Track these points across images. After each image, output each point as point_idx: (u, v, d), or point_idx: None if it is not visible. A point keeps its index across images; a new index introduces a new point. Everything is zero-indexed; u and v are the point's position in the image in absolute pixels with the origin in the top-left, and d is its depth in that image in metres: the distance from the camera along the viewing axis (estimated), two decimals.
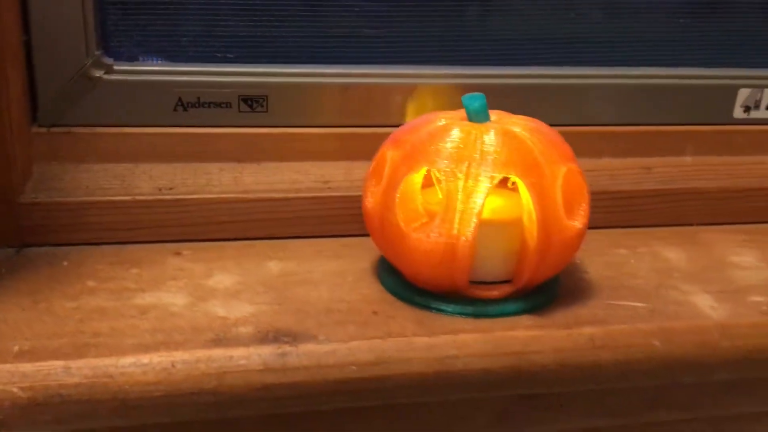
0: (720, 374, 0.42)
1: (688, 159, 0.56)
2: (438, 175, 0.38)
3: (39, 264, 0.44)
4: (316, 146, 0.50)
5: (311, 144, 0.50)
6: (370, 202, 0.41)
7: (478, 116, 0.41)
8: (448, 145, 0.39)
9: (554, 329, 0.39)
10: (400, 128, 0.42)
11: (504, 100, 0.52)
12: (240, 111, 0.49)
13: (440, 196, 0.38)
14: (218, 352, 0.36)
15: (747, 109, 0.56)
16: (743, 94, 0.56)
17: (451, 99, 0.52)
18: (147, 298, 0.41)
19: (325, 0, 0.50)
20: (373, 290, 0.43)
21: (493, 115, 0.42)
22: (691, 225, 0.55)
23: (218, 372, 0.35)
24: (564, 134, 0.52)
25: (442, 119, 0.41)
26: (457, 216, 0.38)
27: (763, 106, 0.56)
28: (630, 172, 0.55)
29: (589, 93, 0.54)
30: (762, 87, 0.56)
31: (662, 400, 0.44)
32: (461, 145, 0.39)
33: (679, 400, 0.44)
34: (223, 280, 0.43)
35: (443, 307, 0.40)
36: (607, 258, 0.49)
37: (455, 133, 0.39)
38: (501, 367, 0.38)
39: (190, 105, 0.49)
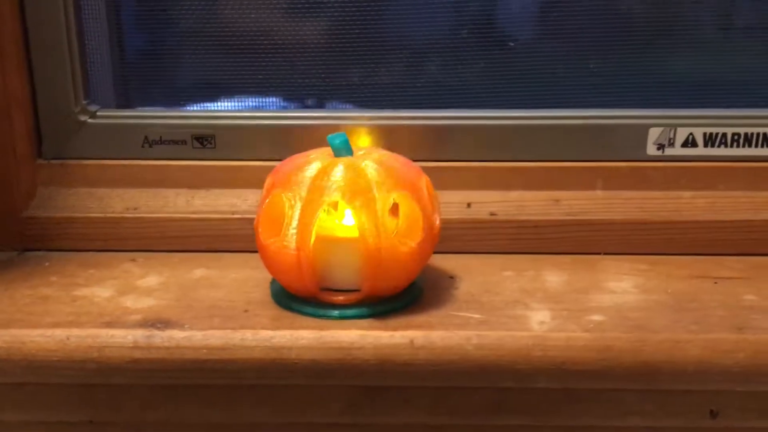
0: (539, 382, 0.46)
1: (599, 192, 0.60)
2: (286, 198, 0.47)
3: (29, 264, 0.58)
4: (253, 176, 0.60)
5: (250, 174, 0.60)
6: (255, 220, 0.51)
7: (340, 152, 0.49)
8: (307, 174, 0.48)
9: (381, 331, 0.46)
10: (283, 161, 0.51)
11: (411, 139, 0.60)
12: (193, 147, 0.61)
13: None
14: (103, 331, 0.47)
15: (661, 146, 0.59)
16: (654, 133, 0.59)
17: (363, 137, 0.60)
18: (83, 291, 0.53)
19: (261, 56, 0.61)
20: (261, 295, 0.52)
21: (361, 150, 0.51)
22: (598, 254, 0.59)
23: (100, 346, 0.46)
24: (477, 169, 0.59)
25: (312, 155, 0.50)
26: (299, 232, 0.46)
27: (677, 143, 0.59)
28: (538, 203, 0.60)
29: (504, 132, 0.60)
30: (673, 126, 0.59)
31: (508, 404, 0.49)
32: (316, 176, 0.47)
33: (523, 406, 0.49)
34: (150, 281, 0.54)
35: (299, 308, 0.49)
36: (486, 278, 0.54)
37: (314, 166, 0.48)
38: (328, 359, 0.46)
39: (155, 142, 0.61)
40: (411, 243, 0.47)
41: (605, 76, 0.61)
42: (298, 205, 0.46)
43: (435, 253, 0.58)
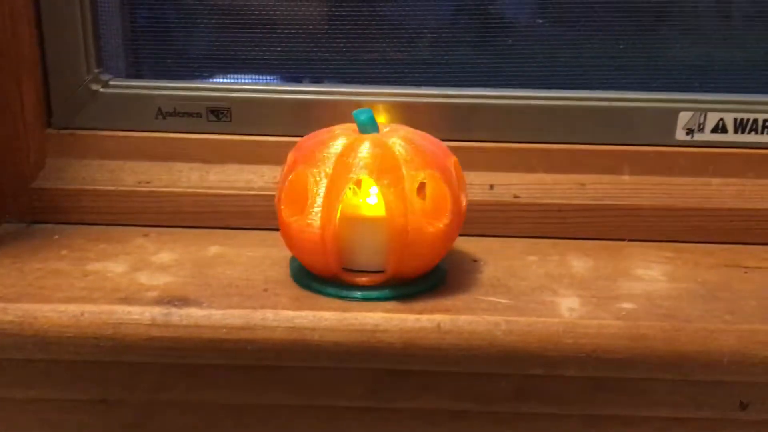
0: (569, 370, 0.45)
1: (625, 177, 0.58)
2: (311, 175, 0.45)
3: (38, 236, 0.56)
4: (270, 152, 0.58)
5: (266, 149, 0.58)
6: (276, 197, 0.49)
7: (366, 128, 0.48)
8: (332, 151, 0.46)
9: (407, 314, 0.45)
10: (307, 136, 0.49)
11: (434, 117, 0.58)
12: (208, 120, 0.59)
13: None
14: (119, 308, 0.45)
15: (690, 131, 0.58)
16: (684, 117, 0.58)
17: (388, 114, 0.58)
18: (96, 266, 0.51)
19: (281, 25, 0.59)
20: (279, 273, 0.50)
21: (387, 127, 0.49)
22: (622, 240, 0.58)
23: (115, 323, 0.44)
24: (500, 150, 0.58)
25: (337, 130, 0.48)
26: (323, 210, 0.44)
27: (707, 129, 0.58)
28: (563, 187, 0.58)
29: (529, 113, 0.58)
30: (704, 111, 0.57)
31: (534, 391, 0.48)
32: (342, 152, 0.46)
33: (550, 394, 0.48)
34: (164, 257, 0.53)
35: (321, 288, 0.47)
36: (511, 262, 0.53)
37: (339, 142, 0.46)
38: (352, 341, 0.44)
39: (168, 114, 0.59)
40: (438, 224, 0.46)
41: (634, 57, 0.59)
42: (324, 182, 0.45)
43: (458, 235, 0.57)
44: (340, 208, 0.45)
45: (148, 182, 0.58)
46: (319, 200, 0.44)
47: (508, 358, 0.44)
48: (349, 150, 0.45)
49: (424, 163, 0.45)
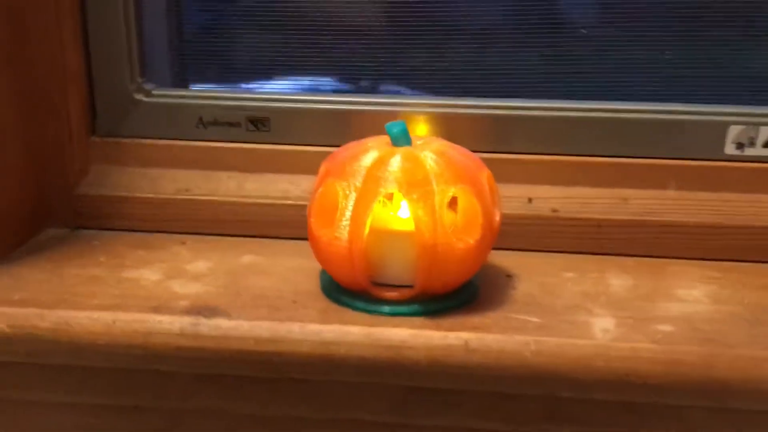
0: (600, 393, 0.43)
1: (671, 192, 0.56)
2: (340, 188, 0.45)
3: (79, 242, 0.57)
4: (307, 162, 0.58)
5: (304, 159, 0.58)
6: (307, 208, 0.49)
7: (398, 141, 0.47)
8: (363, 164, 0.46)
9: (434, 330, 0.44)
10: (340, 147, 0.49)
11: (472, 129, 0.57)
12: (247, 130, 0.59)
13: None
14: (150, 317, 0.45)
15: (740, 146, 0.56)
16: (734, 131, 0.55)
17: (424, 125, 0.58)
18: (131, 273, 0.52)
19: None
20: (310, 285, 0.50)
21: (420, 140, 0.48)
22: (666, 258, 0.56)
23: (146, 332, 0.45)
24: (540, 163, 0.56)
25: (370, 143, 0.48)
26: (351, 224, 0.44)
27: (759, 143, 0.55)
28: (604, 201, 0.56)
29: (570, 124, 0.57)
30: (756, 124, 0.55)
31: (563, 413, 0.46)
32: (372, 165, 0.45)
33: (580, 417, 0.46)
34: (199, 265, 0.53)
35: (349, 302, 0.47)
36: (546, 278, 0.52)
37: (371, 155, 0.46)
38: (377, 357, 0.44)
39: (209, 123, 0.59)
40: (469, 240, 0.45)
41: (682, 67, 0.57)
42: (353, 196, 0.44)
43: (493, 249, 0.56)
44: (369, 222, 0.45)
45: (187, 190, 0.59)
46: (348, 214, 0.44)
47: (537, 379, 0.43)
48: (380, 163, 0.45)
49: (455, 178, 0.45)
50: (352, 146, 0.48)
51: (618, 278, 0.52)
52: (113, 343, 0.45)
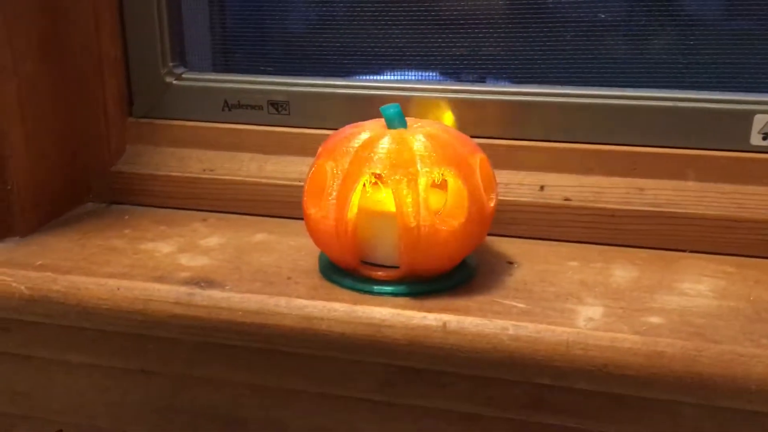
0: (579, 382, 0.43)
1: (690, 183, 0.54)
2: (329, 168, 0.46)
3: (112, 216, 0.61)
4: None
5: (321, 142, 0.59)
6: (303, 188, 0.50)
7: (393, 123, 0.48)
8: (353, 145, 0.47)
9: (415, 311, 0.45)
10: (337, 130, 0.50)
11: (486, 114, 0.57)
12: (269, 113, 0.61)
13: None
14: (151, 285, 0.48)
15: (767, 136, 0.53)
16: (761, 121, 0.52)
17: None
18: (148, 245, 0.55)
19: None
20: (309, 263, 0.51)
21: (418, 123, 0.49)
22: (683, 251, 0.54)
23: (145, 298, 0.48)
24: (553, 150, 0.56)
25: (367, 125, 0.49)
26: (337, 203, 0.45)
27: None
28: (619, 191, 0.55)
29: (585, 111, 0.55)
30: None
31: (550, 402, 0.46)
32: (361, 147, 0.46)
33: (564, 406, 0.45)
34: (212, 241, 0.56)
35: (339, 280, 0.48)
36: (548, 266, 0.51)
37: (363, 136, 0.47)
38: (358, 334, 0.45)
39: (233, 106, 0.62)
40: (453, 223, 0.45)
41: (705, 53, 0.54)
42: (340, 176, 0.45)
43: (501, 236, 0.56)
44: (356, 202, 0.45)
45: (212, 170, 0.62)
46: (335, 193, 0.45)
47: (514, 364, 0.43)
48: (368, 144, 0.46)
49: (440, 160, 0.45)
50: (348, 128, 0.49)
51: (623, 269, 0.51)
52: (116, 308, 0.48)
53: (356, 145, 0.46)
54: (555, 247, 0.54)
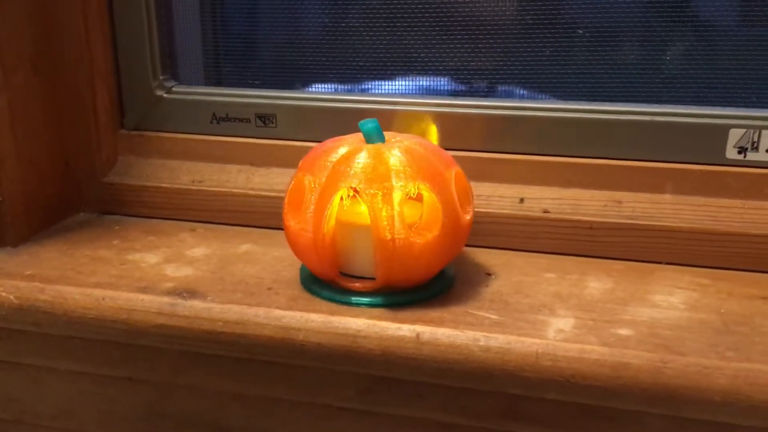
0: (549, 393, 0.43)
1: (667, 197, 0.55)
2: (307, 182, 0.47)
3: (103, 226, 0.62)
4: None
5: None
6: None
7: (371, 137, 0.49)
8: (331, 159, 0.48)
9: (390, 322, 0.46)
10: (318, 144, 0.51)
11: (466, 128, 0.58)
12: (256, 126, 0.62)
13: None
14: (134, 296, 0.49)
15: (742, 150, 0.54)
16: (735, 135, 0.53)
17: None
18: (135, 256, 0.56)
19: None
20: (291, 274, 0.53)
21: (397, 137, 0.50)
22: (659, 263, 0.55)
23: (129, 308, 0.49)
24: (532, 163, 0.57)
25: (346, 140, 0.50)
26: (314, 216, 0.46)
27: (761, 148, 0.53)
28: (597, 203, 0.56)
29: (564, 125, 0.56)
30: (758, 128, 0.53)
31: (523, 412, 0.47)
32: (338, 161, 0.47)
33: (538, 416, 0.46)
34: (198, 251, 0.57)
35: (317, 291, 0.49)
36: (524, 278, 0.52)
37: (341, 151, 0.48)
38: (334, 344, 0.46)
39: (222, 119, 0.63)
40: (428, 235, 0.46)
41: (682, 68, 0.55)
42: (318, 190, 0.46)
43: (480, 247, 0.57)
44: (334, 215, 0.47)
45: (201, 182, 0.63)
46: (312, 207, 0.46)
47: (485, 375, 0.44)
48: (345, 159, 0.47)
49: (415, 174, 0.46)
50: (327, 143, 0.50)
51: (599, 281, 0.52)
52: (101, 317, 0.49)
53: (334, 159, 0.47)
54: (533, 259, 0.55)
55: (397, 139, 0.50)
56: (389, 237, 0.45)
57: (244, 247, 0.58)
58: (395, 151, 0.47)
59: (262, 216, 0.61)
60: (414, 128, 0.59)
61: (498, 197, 0.57)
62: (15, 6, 0.56)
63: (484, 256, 0.56)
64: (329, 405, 0.51)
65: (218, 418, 0.54)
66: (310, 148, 0.60)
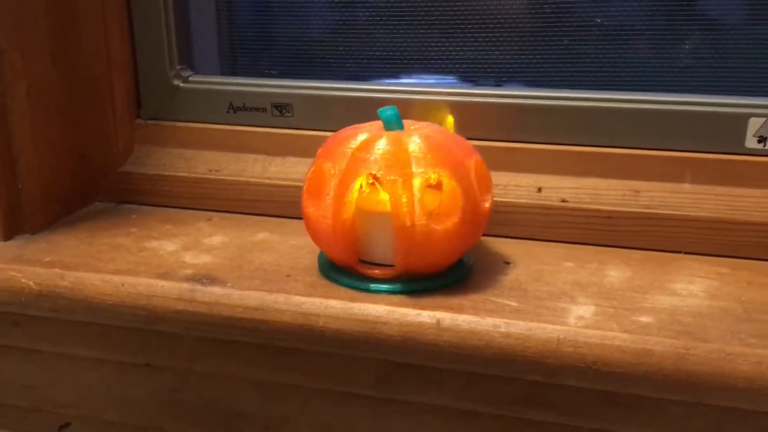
0: (570, 380, 0.43)
1: (686, 186, 0.55)
2: (326, 169, 0.47)
3: (120, 215, 0.63)
4: None
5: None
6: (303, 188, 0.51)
7: (390, 125, 0.49)
8: (351, 146, 0.48)
9: (410, 308, 0.46)
10: (336, 132, 0.51)
11: (484, 117, 0.58)
12: (272, 115, 0.62)
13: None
14: (154, 282, 0.50)
15: (762, 139, 0.53)
16: (755, 124, 0.53)
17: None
18: (153, 243, 0.56)
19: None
20: (309, 262, 0.53)
21: (415, 125, 0.50)
22: (677, 252, 0.54)
23: (148, 294, 0.49)
24: (551, 152, 0.57)
25: (365, 127, 0.50)
26: (334, 203, 0.46)
27: None
28: (615, 192, 0.56)
29: (583, 114, 0.56)
30: None
31: (543, 399, 0.47)
32: (358, 148, 0.47)
33: (558, 403, 0.46)
34: (215, 240, 0.57)
35: (336, 278, 0.49)
36: (543, 267, 0.52)
37: (360, 138, 0.48)
38: (354, 331, 0.46)
39: (238, 108, 0.63)
40: (448, 222, 0.46)
41: (701, 57, 0.55)
42: (337, 176, 0.46)
43: (498, 236, 0.57)
44: (353, 202, 0.47)
45: (217, 171, 0.63)
46: (332, 193, 0.46)
47: (506, 361, 0.44)
48: (365, 146, 0.47)
49: (435, 161, 0.46)
50: (347, 130, 0.50)
51: (618, 270, 0.52)
52: (120, 304, 0.49)
53: (354, 146, 0.47)
54: (551, 248, 0.55)
55: (416, 126, 0.50)
56: (409, 223, 0.45)
57: (261, 236, 0.58)
58: (415, 138, 0.47)
59: (279, 205, 0.61)
60: (431, 118, 0.59)
61: (515, 186, 0.57)
62: None
63: (501, 246, 0.55)
64: (347, 392, 0.51)
65: (235, 404, 0.54)
66: (327, 137, 0.61)
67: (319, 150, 0.50)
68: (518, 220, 0.57)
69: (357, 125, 0.50)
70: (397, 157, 0.46)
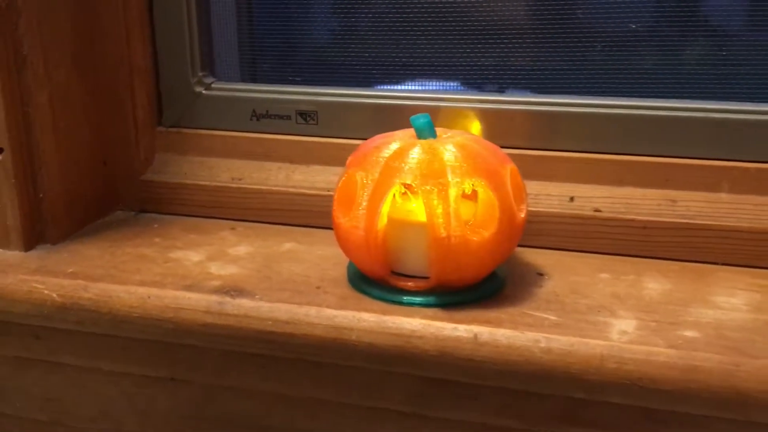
0: (613, 396, 0.42)
1: (723, 195, 0.53)
2: (359, 178, 0.46)
3: (141, 224, 0.61)
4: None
5: (349, 152, 0.59)
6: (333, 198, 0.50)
7: (423, 133, 0.48)
8: (383, 155, 0.47)
9: (446, 322, 0.44)
10: (368, 140, 0.50)
11: (516, 125, 0.57)
12: (297, 123, 0.61)
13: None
14: (181, 294, 0.48)
15: None
16: None
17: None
18: (177, 254, 0.55)
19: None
20: (338, 273, 0.51)
21: (448, 133, 0.49)
22: (715, 264, 0.53)
23: (176, 307, 0.48)
24: (583, 161, 0.56)
25: (397, 135, 0.48)
26: (367, 213, 0.45)
27: None
28: (651, 202, 0.54)
29: (617, 122, 0.55)
30: None
31: (582, 416, 0.45)
32: (391, 157, 0.46)
33: (598, 420, 0.45)
34: (240, 250, 0.56)
35: (368, 290, 0.48)
36: (578, 278, 0.50)
37: (393, 146, 0.47)
38: (388, 345, 0.44)
39: (261, 116, 0.62)
40: (484, 233, 0.45)
41: (739, 64, 0.54)
42: (370, 186, 0.45)
43: (529, 247, 0.55)
44: (386, 212, 0.45)
45: (240, 179, 0.62)
46: (364, 203, 0.45)
47: (546, 377, 0.42)
48: (398, 155, 0.46)
49: (471, 170, 0.45)
50: (378, 138, 0.49)
51: (656, 282, 0.50)
52: (146, 316, 0.48)
53: (386, 155, 0.46)
54: (585, 259, 0.54)
55: (449, 134, 0.48)
56: (445, 234, 0.44)
57: (287, 246, 0.57)
58: (449, 146, 0.46)
59: (303, 214, 0.60)
60: (459, 125, 0.58)
61: (547, 196, 0.56)
62: (58, 3, 0.55)
63: (533, 256, 0.54)
64: (377, 407, 0.49)
65: (261, 420, 0.52)
66: (352, 145, 0.60)
67: (349, 158, 0.49)
68: (550, 230, 0.55)
69: (388, 133, 0.49)
70: (431, 167, 0.45)
